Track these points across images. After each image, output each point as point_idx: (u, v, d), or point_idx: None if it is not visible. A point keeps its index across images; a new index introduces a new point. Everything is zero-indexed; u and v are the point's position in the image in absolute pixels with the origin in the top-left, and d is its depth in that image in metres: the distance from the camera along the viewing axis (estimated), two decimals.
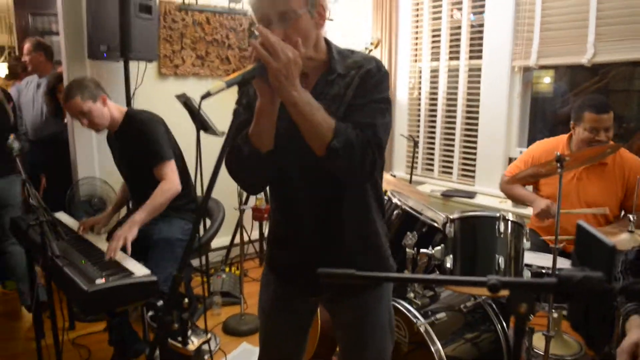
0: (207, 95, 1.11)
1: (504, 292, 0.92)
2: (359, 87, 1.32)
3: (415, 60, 4.49)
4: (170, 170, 2.53)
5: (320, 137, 1.24)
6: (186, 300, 1.15)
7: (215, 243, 3.32)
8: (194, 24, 3.84)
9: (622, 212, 2.66)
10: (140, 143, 2.54)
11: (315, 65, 1.35)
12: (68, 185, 3.26)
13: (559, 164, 2.04)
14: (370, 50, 3.53)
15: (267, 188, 1.55)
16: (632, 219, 2.13)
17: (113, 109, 2.60)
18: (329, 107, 1.27)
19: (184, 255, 1.17)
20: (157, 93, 2.89)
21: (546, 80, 4.08)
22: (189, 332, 1.28)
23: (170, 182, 2.50)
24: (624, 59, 3.24)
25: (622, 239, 2.13)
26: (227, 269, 3.81)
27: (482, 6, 3.90)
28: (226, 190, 1.49)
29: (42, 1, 5.41)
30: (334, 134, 1.23)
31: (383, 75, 1.34)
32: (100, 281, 1.89)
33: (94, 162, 3.55)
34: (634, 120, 3.59)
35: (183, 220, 2.67)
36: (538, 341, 2.62)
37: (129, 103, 3.27)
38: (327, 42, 1.39)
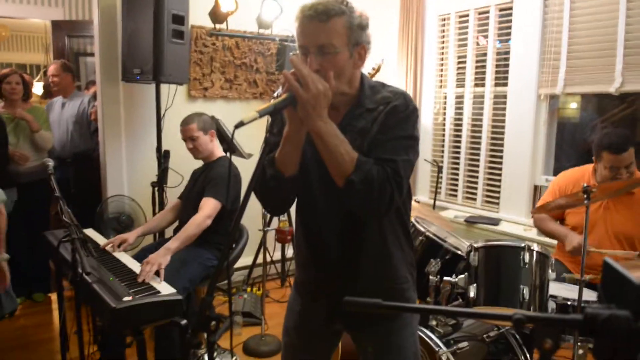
0: (240, 124, 1.16)
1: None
2: (384, 122, 1.34)
3: (441, 86, 4.51)
4: (210, 207, 2.71)
5: (341, 169, 1.28)
6: (214, 322, 1.17)
7: (237, 263, 3.36)
8: (223, 49, 3.95)
9: None
10: (209, 180, 2.80)
11: (347, 99, 1.38)
12: (94, 202, 3.35)
13: (585, 196, 2.03)
14: (372, 75, 3.55)
15: (293, 211, 1.58)
16: None
17: (216, 147, 2.95)
18: (354, 140, 1.31)
19: (213, 277, 1.21)
20: (186, 114, 2.97)
21: (573, 105, 4.05)
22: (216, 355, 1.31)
23: (203, 216, 2.67)
24: None
25: None
26: (248, 289, 3.84)
27: (508, 33, 3.92)
28: (250, 211, 1.52)
29: (79, 23, 5.63)
30: (354, 167, 1.27)
31: (410, 112, 1.36)
32: (127, 298, 1.93)
33: (123, 180, 3.65)
34: None
35: (205, 250, 2.74)
36: None
37: (158, 123, 3.36)
38: (361, 76, 1.42)
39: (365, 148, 1.33)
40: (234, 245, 2.96)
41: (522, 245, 2.05)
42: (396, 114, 1.34)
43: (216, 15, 3.68)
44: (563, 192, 2.65)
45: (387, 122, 1.34)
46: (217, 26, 3.81)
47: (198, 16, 3.72)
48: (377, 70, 3.65)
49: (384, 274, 1.48)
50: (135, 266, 2.34)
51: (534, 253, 2.04)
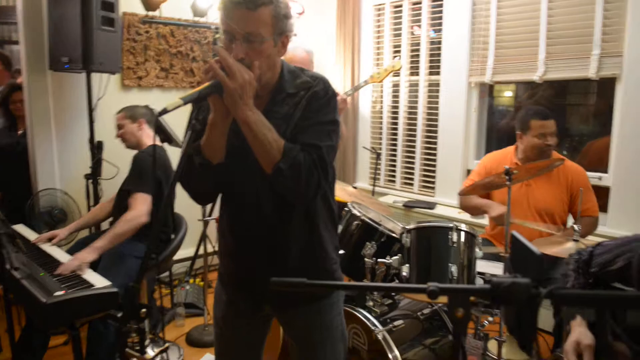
0: (164, 111, 1.16)
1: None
2: (306, 108, 1.38)
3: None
4: (140, 201, 2.63)
5: (269, 157, 1.30)
6: (143, 310, 1.18)
7: (179, 254, 3.32)
8: (158, 37, 3.86)
9: (571, 222, 2.81)
10: (132, 172, 2.74)
11: (268, 85, 1.40)
12: (26, 197, 3.21)
13: (507, 177, 2.15)
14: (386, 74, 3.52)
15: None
16: (576, 228, 2.25)
17: (145, 136, 2.86)
18: (278, 126, 1.33)
19: (141, 266, 1.21)
20: (119, 104, 2.89)
21: (507, 94, 4.26)
22: (149, 343, 1.31)
23: (134, 213, 2.60)
24: (572, 77, 3.41)
25: (567, 248, 2.25)
26: (191, 280, 3.81)
27: (441, 24, 4.05)
28: (190, 202, 1.52)
29: (2, 9, 5.32)
30: (282, 155, 1.30)
31: (330, 97, 1.40)
32: (59, 293, 1.88)
33: (55, 173, 3.51)
34: (587, 133, 3.78)
35: (142, 243, 2.68)
36: (493, 347, 2.72)
37: (90, 114, 3.25)
38: (281, 61, 1.44)
39: (289, 133, 1.36)
40: (172, 237, 2.93)
41: (451, 225, 2.15)
42: (317, 100, 1.38)
43: (148, 2, 3.59)
44: (489, 173, 2.80)
45: (309, 108, 1.38)
46: (150, 13, 3.72)
47: (130, 3, 3.61)
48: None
49: (315, 257, 1.51)
50: (66, 261, 2.28)
51: (462, 233, 2.14)
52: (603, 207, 3.24)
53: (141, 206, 2.62)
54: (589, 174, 3.03)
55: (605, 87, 3.32)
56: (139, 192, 2.65)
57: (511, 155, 2.88)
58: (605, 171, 3.31)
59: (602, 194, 3.24)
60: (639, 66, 3.05)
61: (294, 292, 1.41)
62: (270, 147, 1.30)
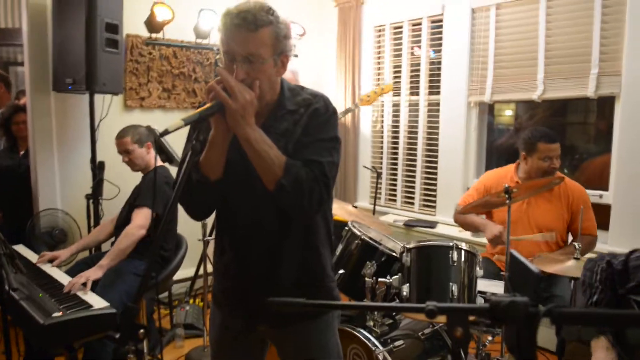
0: (165, 133, 1.18)
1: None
2: (307, 125, 1.39)
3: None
4: (141, 215, 2.67)
5: (270, 173, 1.32)
6: (141, 331, 1.17)
7: (179, 275, 3.32)
8: (160, 58, 3.91)
9: (570, 239, 2.80)
10: (140, 190, 2.79)
11: (269, 103, 1.42)
12: (27, 217, 3.22)
13: (507, 195, 2.15)
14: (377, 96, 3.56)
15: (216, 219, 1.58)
16: (577, 246, 2.24)
17: (152, 158, 2.90)
18: (277, 142, 1.35)
19: (140, 286, 1.20)
20: (122, 125, 2.91)
21: (507, 113, 4.28)
22: None
23: (134, 226, 2.63)
24: (571, 96, 3.43)
25: (568, 266, 2.24)
26: (191, 301, 3.78)
27: (441, 44, 4.09)
28: (190, 221, 1.53)
29: (8, 31, 5.40)
30: (284, 171, 1.31)
31: (331, 114, 1.42)
32: (57, 314, 1.88)
33: (56, 193, 3.52)
34: (587, 152, 3.79)
35: (141, 262, 2.68)
36: None
37: (93, 134, 3.28)
38: (280, 79, 1.46)
39: (290, 150, 1.37)
40: (172, 257, 2.93)
41: (451, 244, 2.14)
42: (318, 117, 1.40)
43: (152, 25, 3.64)
44: (489, 190, 2.80)
45: (310, 125, 1.39)
46: (154, 35, 3.77)
47: (134, 25, 3.66)
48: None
49: (314, 274, 1.51)
50: (67, 282, 2.27)
51: (462, 252, 2.13)
52: (604, 225, 3.24)
53: (141, 220, 2.65)
54: (589, 192, 3.03)
55: (605, 106, 3.34)
56: (141, 207, 2.69)
57: (512, 174, 2.88)
58: (606, 189, 3.30)
59: (602, 211, 3.24)
60: (637, 85, 3.07)
61: (290, 311, 1.40)
62: (272, 163, 1.31)
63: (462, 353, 2.23)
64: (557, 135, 2.77)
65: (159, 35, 3.80)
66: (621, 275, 1.44)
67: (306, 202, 1.33)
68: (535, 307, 0.92)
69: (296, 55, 4.35)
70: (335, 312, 1.59)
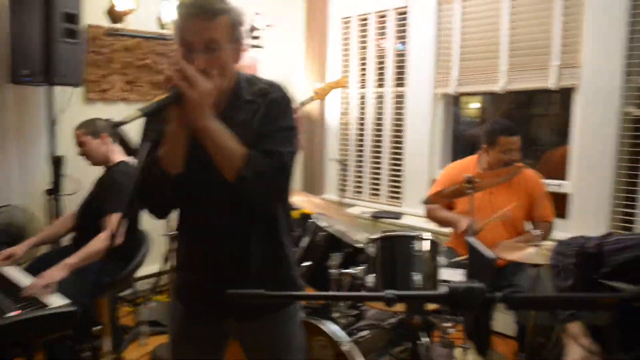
0: (120, 124, 1.15)
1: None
2: (265, 114, 1.38)
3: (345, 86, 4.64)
4: (115, 224, 2.57)
5: (231, 165, 1.30)
6: (97, 328, 1.14)
7: (144, 271, 3.26)
8: (123, 50, 3.81)
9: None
10: (107, 190, 2.67)
11: (225, 93, 1.40)
12: None
13: (469, 185, 2.19)
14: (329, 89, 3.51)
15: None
16: (537, 233, 2.29)
17: (111, 151, 2.79)
18: (236, 132, 1.33)
19: (97, 284, 1.17)
20: (83, 118, 2.83)
21: (474, 105, 4.35)
22: None
23: (108, 235, 2.54)
24: (533, 87, 3.50)
25: (529, 253, 2.29)
26: (156, 298, 3.73)
27: (406, 36, 4.11)
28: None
29: None
30: (244, 162, 1.30)
31: (288, 103, 1.42)
32: (13, 314, 1.82)
33: (14, 189, 3.40)
34: (549, 143, 3.89)
35: (105, 260, 2.61)
36: (459, 354, 2.74)
37: (51, 128, 3.18)
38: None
39: (249, 140, 1.35)
40: (134, 254, 2.87)
41: (414, 234, 2.16)
42: (276, 106, 1.40)
43: (113, 15, 3.55)
44: (452, 182, 2.84)
45: (268, 115, 1.39)
46: (116, 26, 3.67)
47: (95, 15, 3.56)
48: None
49: (278, 264, 1.51)
50: (24, 280, 2.20)
51: (426, 241, 2.16)
52: (564, 214, 3.32)
53: (116, 228, 2.58)
54: (550, 181, 3.10)
55: (567, 98, 3.42)
56: (114, 213, 2.59)
57: (473, 165, 2.94)
58: (564, 178, 3.39)
59: (562, 200, 3.33)
60: (596, 77, 3.15)
61: (256, 303, 1.39)
62: (232, 155, 1.30)
63: (421, 340, 2.26)
64: (517, 128, 2.83)
65: (121, 25, 3.70)
66: (595, 260, 1.43)
67: (268, 193, 1.34)
68: (491, 292, 0.94)
69: (261, 47, 4.31)
70: (299, 303, 1.60)
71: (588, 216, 3.22)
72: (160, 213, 1.49)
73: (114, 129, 2.87)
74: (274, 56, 4.48)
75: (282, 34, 4.66)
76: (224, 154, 1.30)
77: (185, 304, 1.56)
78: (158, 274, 3.87)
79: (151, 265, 3.54)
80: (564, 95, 3.45)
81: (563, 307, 1.16)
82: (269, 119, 1.38)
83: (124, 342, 3.08)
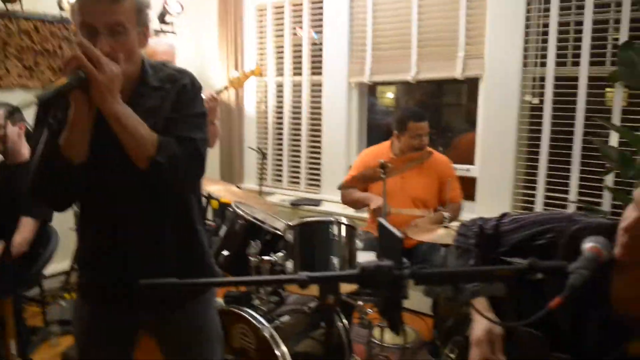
0: (14, 111, 1.07)
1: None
2: (176, 101, 1.36)
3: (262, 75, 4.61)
4: (29, 228, 2.52)
5: (143, 151, 1.26)
6: None
7: (52, 269, 3.08)
8: (19, 33, 3.53)
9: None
10: (14, 188, 2.45)
11: (130, 79, 1.35)
12: None
13: (382, 170, 2.26)
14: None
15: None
16: (446, 215, 2.42)
17: (24, 146, 2.56)
18: (145, 119, 1.29)
19: None
20: None
21: (389, 95, 4.49)
22: None
23: (22, 241, 2.49)
24: (441, 77, 3.67)
25: (439, 234, 2.42)
26: (66, 296, 3.54)
27: (321, 25, 4.15)
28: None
29: None
30: (157, 148, 1.27)
31: (198, 90, 1.41)
32: None
33: None
34: (459, 130, 4.11)
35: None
36: (378, 334, 2.84)
37: None
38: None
39: (159, 127, 1.32)
40: (40, 252, 2.70)
41: (332, 219, 2.20)
42: (186, 93, 1.38)
43: None
44: (367, 167, 2.93)
45: (179, 101, 1.37)
46: (10, 7, 3.40)
47: None
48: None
49: (194, 252, 1.49)
50: None
51: (342, 226, 2.21)
52: (472, 196, 3.53)
53: (28, 233, 2.51)
54: (459, 166, 3.28)
55: (473, 87, 3.61)
56: (30, 217, 2.49)
57: (387, 150, 3.04)
58: (472, 163, 3.60)
59: (470, 184, 3.53)
60: (498, 67, 3.36)
61: (171, 292, 1.36)
62: (144, 140, 1.26)
63: (341, 322, 2.33)
64: (425, 115, 2.97)
65: (17, 7, 3.43)
66: (493, 240, 1.48)
67: (183, 179, 1.32)
68: (399, 269, 0.99)
69: (174, 33, 4.18)
70: (214, 289, 1.59)
71: (493, 198, 3.44)
72: (61, 205, 1.41)
73: (11, 117, 2.65)
74: (187, 43, 4.36)
75: (195, 21, 4.54)
76: (136, 139, 1.26)
77: (92, 303, 1.48)
78: (68, 271, 3.67)
79: (61, 262, 3.36)
80: (471, 85, 3.65)
81: (466, 280, 1.24)
82: (179, 106, 1.36)
83: (32, 344, 2.90)
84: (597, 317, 1.24)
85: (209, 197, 3.41)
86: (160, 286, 1.03)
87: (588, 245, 1.06)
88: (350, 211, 3.74)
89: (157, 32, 4.20)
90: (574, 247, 1.15)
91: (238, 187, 3.10)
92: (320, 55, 4.20)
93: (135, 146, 1.26)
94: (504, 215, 1.53)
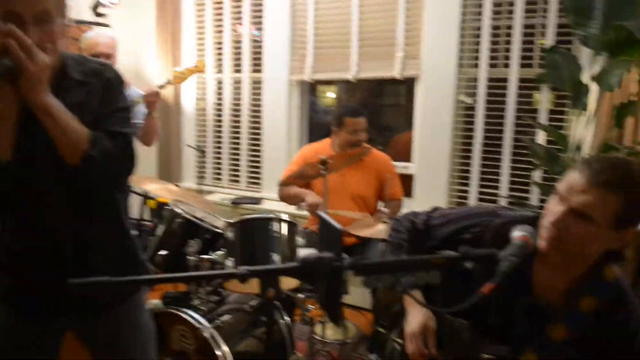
0: None
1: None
2: (103, 96, 1.32)
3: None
4: None
5: (75, 146, 1.21)
6: None
7: None
8: None
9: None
10: None
11: (51, 72, 1.29)
12: None
13: (323, 166, 2.28)
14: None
15: None
16: (385, 211, 2.47)
17: None
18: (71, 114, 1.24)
19: None
20: None
21: (330, 94, 4.52)
22: None
23: None
24: (380, 76, 3.74)
25: (379, 230, 2.46)
26: None
27: (261, 21, 4.12)
28: None
29: None
30: (90, 142, 1.23)
31: (122, 83, 1.39)
32: None
33: None
34: (398, 129, 4.21)
35: None
36: (321, 330, 2.85)
37: None
38: None
39: (87, 123, 1.27)
40: None
41: (272, 216, 2.20)
42: (113, 87, 1.35)
43: None
44: (307, 162, 2.94)
45: (106, 96, 1.33)
46: None
47: None
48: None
49: (125, 249, 1.45)
50: None
51: (283, 223, 2.21)
52: (410, 193, 3.62)
53: None
54: (397, 163, 3.35)
55: (412, 88, 3.70)
56: None
57: (327, 147, 3.06)
58: (410, 161, 3.69)
59: (408, 181, 3.62)
60: (434, 68, 3.46)
61: (101, 293, 1.30)
62: (76, 135, 1.21)
63: (283, 319, 2.32)
64: (362, 111, 3.02)
65: None
66: (424, 235, 1.51)
67: (115, 174, 1.30)
68: (339, 261, 1.00)
69: (107, 25, 4.02)
70: (146, 289, 1.55)
71: (430, 194, 3.54)
72: None
73: None
74: (123, 36, 4.18)
75: (131, 14, 4.38)
76: (68, 134, 1.20)
77: (12, 307, 1.39)
78: None
79: None
80: (409, 85, 3.74)
81: (404, 269, 1.27)
82: (107, 100, 1.33)
83: None
84: (522, 306, 1.31)
85: (146, 197, 3.31)
86: (91, 285, 0.99)
87: (517, 234, 1.11)
88: (292, 209, 3.74)
89: (89, 25, 4.03)
90: (498, 240, 1.20)
91: (176, 185, 3.02)
92: (261, 52, 4.17)
93: (67, 141, 1.21)
94: (434, 209, 1.58)
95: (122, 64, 3.16)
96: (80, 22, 4.04)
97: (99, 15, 4.08)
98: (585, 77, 2.64)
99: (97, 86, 1.32)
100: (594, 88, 2.61)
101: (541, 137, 3.21)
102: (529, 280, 1.29)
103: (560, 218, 1.16)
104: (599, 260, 1.24)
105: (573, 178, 1.17)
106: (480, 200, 3.45)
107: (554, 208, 1.19)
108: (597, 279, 1.23)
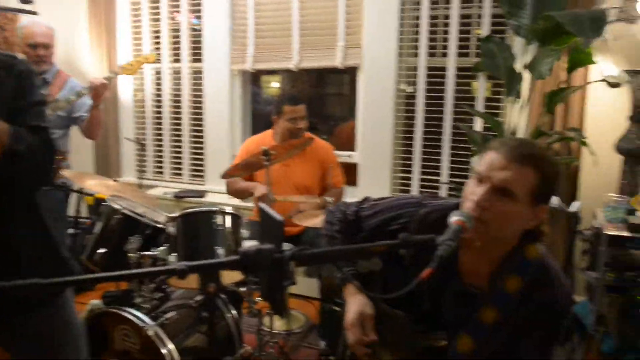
0: None
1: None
2: (17, 88, 1.27)
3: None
4: None
5: None
6: None
7: None
8: None
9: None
10: None
11: None
12: None
13: (265, 157, 2.26)
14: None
15: None
16: (329, 200, 2.48)
17: None
18: None
19: None
20: None
21: (274, 84, 4.47)
22: None
23: None
24: (322, 66, 3.73)
25: (322, 220, 2.46)
26: None
27: (200, 10, 4.01)
28: None
29: None
30: (12, 137, 1.17)
31: (35, 77, 1.36)
32: None
33: None
34: (341, 118, 4.22)
35: None
36: (269, 321, 2.84)
37: None
38: None
39: (3, 116, 1.21)
40: None
41: (215, 209, 2.16)
42: (26, 80, 1.31)
43: None
44: (250, 154, 2.91)
45: (20, 88, 1.28)
46: None
47: None
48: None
49: (48, 247, 1.41)
50: None
51: (227, 215, 2.18)
52: (354, 182, 3.66)
53: None
54: (341, 153, 3.37)
55: (354, 77, 3.72)
56: None
57: (269, 138, 3.04)
58: (354, 150, 3.73)
59: (352, 170, 3.66)
60: (375, 57, 3.49)
61: (26, 294, 1.23)
62: None
63: (230, 310, 2.29)
64: (301, 98, 3.01)
65: None
66: (355, 225, 1.51)
67: (39, 171, 1.26)
68: (280, 252, 0.98)
69: (35, 13, 3.80)
70: (72, 288, 1.52)
71: (373, 182, 3.59)
72: None
73: None
74: (52, 25, 3.97)
75: (60, 1, 4.16)
76: None
77: None
78: None
79: None
80: (352, 75, 3.76)
81: (344, 258, 1.27)
82: (22, 93, 1.28)
83: None
84: (451, 290, 1.34)
85: (82, 193, 3.17)
86: (18, 288, 0.94)
87: (454, 218, 1.13)
88: (236, 201, 3.69)
89: (15, 12, 3.80)
90: (423, 229, 1.22)
91: (115, 180, 2.91)
92: (201, 42, 4.07)
93: None
94: (364, 200, 1.57)
95: (55, 55, 3.00)
96: (5, 10, 3.80)
97: (25, 2, 3.84)
98: (518, 66, 2.74)
99: (7, 79, 1.27)
100: (526, 76, 2.72)
101: (479, 124, 3.31)
102: (455, 265, 1.32)
103: (484, 197, 1.17)
104: (520, 241, 1.26)
105: (491, 157, 1.21)
106: (423, 187, 3.53)
107: (474, 190, 1.21)
108: (520, 258, 1.26)
